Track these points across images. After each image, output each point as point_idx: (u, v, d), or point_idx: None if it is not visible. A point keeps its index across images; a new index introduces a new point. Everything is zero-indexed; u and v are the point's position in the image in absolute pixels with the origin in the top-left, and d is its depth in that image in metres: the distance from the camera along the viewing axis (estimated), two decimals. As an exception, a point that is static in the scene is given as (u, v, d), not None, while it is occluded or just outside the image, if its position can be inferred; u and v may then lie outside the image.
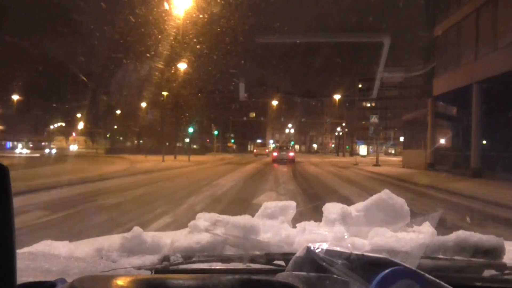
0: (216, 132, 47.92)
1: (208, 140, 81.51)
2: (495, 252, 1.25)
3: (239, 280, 0.83)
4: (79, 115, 55.70)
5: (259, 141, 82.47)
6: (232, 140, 73.73)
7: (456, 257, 1.23)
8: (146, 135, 55.63)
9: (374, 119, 28.19)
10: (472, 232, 1.32)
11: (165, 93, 36.68)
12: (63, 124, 66.74)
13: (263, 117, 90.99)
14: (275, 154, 33.22)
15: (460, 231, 1.33)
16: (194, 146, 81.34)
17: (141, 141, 54.35)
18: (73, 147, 67.29)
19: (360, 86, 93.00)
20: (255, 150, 56.24)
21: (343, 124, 67.22)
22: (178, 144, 68.38)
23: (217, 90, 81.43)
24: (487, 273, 1.20)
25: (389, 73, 26.24)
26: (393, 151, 77.73)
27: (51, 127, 68.08)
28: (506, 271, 1.20)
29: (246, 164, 29.79)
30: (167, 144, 60.01)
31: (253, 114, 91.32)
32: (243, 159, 40.63)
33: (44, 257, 1.19)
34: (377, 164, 26.76)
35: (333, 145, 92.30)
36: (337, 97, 60.36)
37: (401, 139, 54.19)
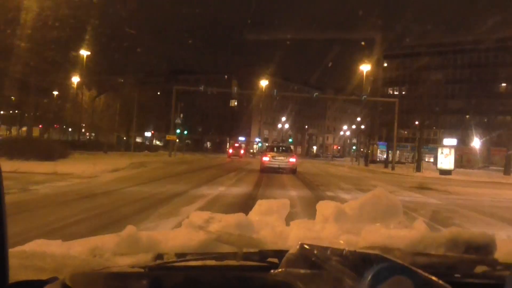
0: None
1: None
2: (487, 248, 1.27)
3: (232, 277, 0.83)
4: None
5: (241, 138, 64.90)
6: (178, 130, 38.67)
7: (449, 254, 1.24)
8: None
9: None
10: (464, 229, 1.33)
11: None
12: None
13: (248, 107, 67.04)
14: (265, 158, 20.92)
15: (452, 227, 1.34)
16: (158, 142, 62.75)
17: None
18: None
19: (385, 65, 61.49)
20: (230, 150, 44.63)
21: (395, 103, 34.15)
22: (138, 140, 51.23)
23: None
24: (479, 269, 1.22)
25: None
26: (431, 159, 45.22)
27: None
28: (498, 267, 1.21)
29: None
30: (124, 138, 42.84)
31: (234, 103, 64.41)
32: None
33: (37, 256, 1.18)
34: None
35: (353, 148, 64.43)
36: (365, 68, 35.06)
37: (446, 141, 32.59)
